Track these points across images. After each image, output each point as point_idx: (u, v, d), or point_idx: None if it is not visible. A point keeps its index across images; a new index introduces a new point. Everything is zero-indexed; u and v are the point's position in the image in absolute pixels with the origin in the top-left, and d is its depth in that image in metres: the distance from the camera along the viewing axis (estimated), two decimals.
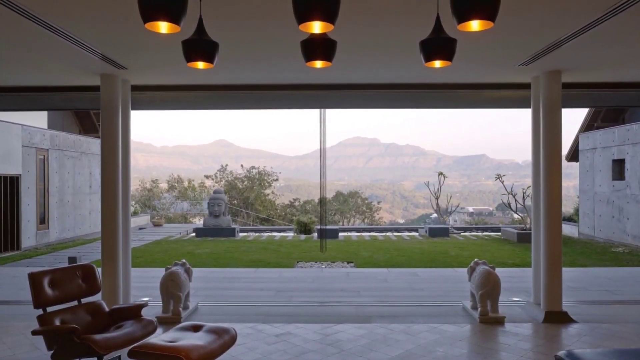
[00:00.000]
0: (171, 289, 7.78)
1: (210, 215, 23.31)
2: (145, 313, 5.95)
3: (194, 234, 23.08)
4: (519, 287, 10.34)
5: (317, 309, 8.70)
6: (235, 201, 38.33)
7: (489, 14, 3.57)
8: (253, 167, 42.00)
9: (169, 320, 7.63)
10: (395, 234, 24.19)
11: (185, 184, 41.97)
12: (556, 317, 7.78)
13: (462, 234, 23.74)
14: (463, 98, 8.97)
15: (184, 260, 8.31)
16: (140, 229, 25.66)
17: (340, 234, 22.82)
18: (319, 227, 22.42)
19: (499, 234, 23.13)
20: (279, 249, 17.89)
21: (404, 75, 8.02)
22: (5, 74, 7.88)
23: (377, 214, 46.12)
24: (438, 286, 10.70)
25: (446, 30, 4.23)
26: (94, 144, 23.15)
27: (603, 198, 20.86)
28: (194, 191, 40.96)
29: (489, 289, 7.74)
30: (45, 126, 21.27)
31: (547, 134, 7.93)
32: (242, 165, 42.60)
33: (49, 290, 5.34)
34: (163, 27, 3.79)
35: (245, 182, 40.64)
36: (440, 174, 27.18)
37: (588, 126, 23.37)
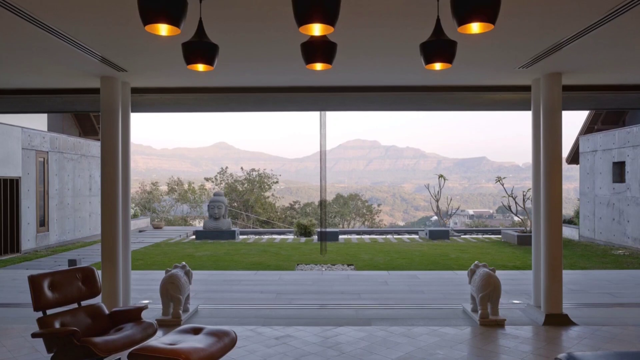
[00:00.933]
0: (171, 291, 7.77)
1: (210, 218, 23.31)
2: (145, 316, 5.94)
3: (194, 237, 23.07)
4: (519, 289, 10.33)
5: (317, 312, 8.69)
6: (235, 204, 38.35)
7: (489, 16, 3.57)
8: (253, 170, 42.00)
9: (169, 323, 7.62)
10: (395, 236, 24.18)
11: (185, 186, 41.97)
12: (556, 320, 7.77)
13: (462, 236, 23.73)
14: (463, 100, 8.96)
15: (184, 263, 8.30)
16: (140, 231, 25.65)
17: (341, 236, 22.80)
18: (319, 229, 22.43)
19: (499, 236, 23.12)
20: (279, 252, 17.88)
21: (404, 78, 8.02)
22: (5, 76, 7.88)
23: (377, 217, 46.14)
24: (438, 289, 10.68)
25: (446, 32, 4.24)
26: (94, 147, 23.15)
27: (603, 200, 20.85)
28: (194, 194, 40.96)
29: (490, 292, 7.73)
30: (45, 129, 21.26)
31: (547, 136, 7.93)
32: (242, 168, 42.61)
33: (48, 293, 5.33)
34: (163, 29, 3.79)
35: (246, 185, 40.65)
36: (441, 176, 27.21)
37: (588, 129, 23.36)
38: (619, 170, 20.12)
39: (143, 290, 10.22)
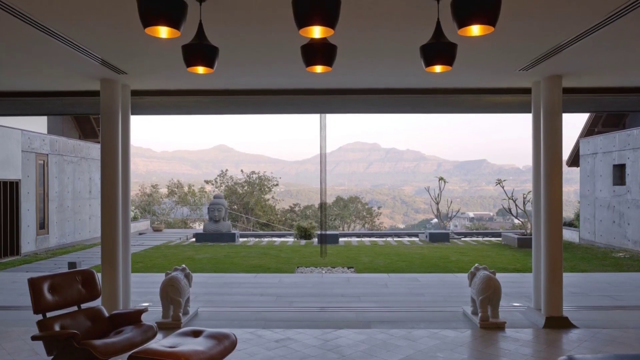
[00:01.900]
0: (171, 294, 7.76)
1: (210, 221, 23.28)
2: (145, 318, 5.94)
3: (193, 239, 23.04)
4: (519, 292, 10.32)
5: (318, 315, 8.68)
6: (235, 206, 38.32)
7: (489, 18, 3.58)
8: (253, 172, 41.98)
9: (169, 326, 7.61)
10: (395, 239, 24.15)
11: (185, 189, 41.92)
12: (557, 323, 7.76)
13: (462, 239, 23.71)
14: (464, 103, 8.96)
15: (183, 266, 8.30)
16: (140, 234, 25.64)
17: (341, 239, 22.79)
18: (319, 232, 22.41)
19: (500, 239, 23.10)
20: (279, 254, 17.87)
21: (404, 80, 8.02)
22: (5, 79, 7.88)
23: (378, 219, 46.10)
24: (438, 291, 10.68)
25: (447, 35, 4.24)
26: (93, 149, 23.14)
27: (604, 203, 20.84)
28: (194, 196, 40.92)
29: (490, 295, 7.72)
30: (45, 131, 21.26)
31: (547, 139, 7.93)
32: (242, 170, 42.58)
33: (48, 296, 5.32)
34: (163, 31, 3.80)
35: (246, 187, 40.63)
36: (441, 179, 27.18)
37: (589, 131, 23.37)
38: (619, 173, 20.11)
39: (143, 292, 10.22)
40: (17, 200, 17.50)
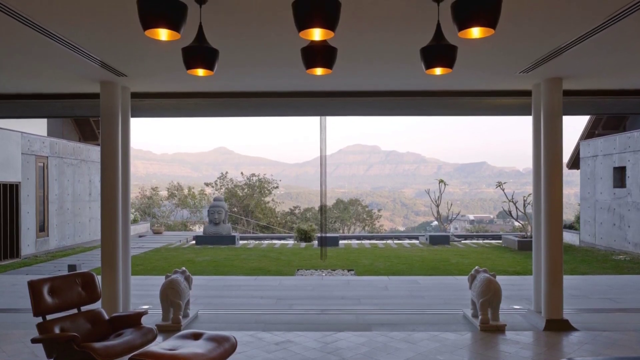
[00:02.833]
0: (171, 296, 7.76)
1: (210, 223, 23.28)
2: (145, 321, 5.93)
3: (194, 242, 23.04)
4: (519, 295, 10.31)
5: (318, 317, 8.67)
6: (235, 209, 38.31)
7: (489, 21, 3.58)
8: (253, 175, 41.99)
9: (169, 328, 7.60)
10: (395, 241, 24.16)
11: (185, 191, 41.92)
12: (557, 325, 7.75)
13: (462, 241, 23.70)
14: (464, 105, 8.96)
15: (183, 268, 8.29)
16: (140, 236, 25.62)
17: (341, 241, 22.78)
18: (319, 234, 22.41)
19: (500, 241, 23.10)
20: (279, 257, 17.86)
21: (404, 83, 8.02)
22: (4, 81, 7.88)
23: (378, 222, 46.07)
24: (439, 294, 10.67)
25: (447, 37, 4.24)
26: (93, 152, 23.14)
27: (604, 206, 20.83)
28: (194, 199, 40.91)
29: (490, 297, 7.72)
30: (45, 133, 21.27)
31: (548, 141, 7.92)
32: (242, 173, 42.58)
33: (48, 298, 5.31)
34: (163, 34, 3.80)
35: (246, 190, 40.62)
36: (441, 181, 27.18)
37: (589, 134, 23.36)
38: (619, 176, 20.11)
39: (143, 295, 10.21)
40: (17, 203, 17.50)
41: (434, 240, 22.27)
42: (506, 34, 5.50)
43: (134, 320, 5.65)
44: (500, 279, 8.50)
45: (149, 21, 3.64)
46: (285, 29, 5.15)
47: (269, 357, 6.54)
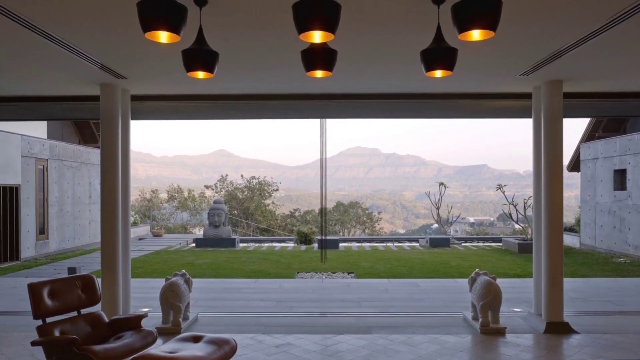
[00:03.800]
0: (171, 299, 7.75)
1: (210, 226, 23.28)
2: (145, 324, 5.92)
3: (194, 245, 23.03)
4: (520, 297, 10.30)
5: (318, 320, 8.66)
6: (235, 211, 38.32)
7: (489, 23, 3.58)
8: (253, 177, 42.01)
9: (168, 331, 7.59)
10: (395, 244, 24.14)
11: (185, 194, 41.94)
12: (557, 328, 7.74)
13: (463, 244, 23.69)
14: (464, 108, 8.96)
15: (183, 271, 8.29)
16: (140, 239, 25.63)
17: (341, 244, 22.76)
18: (319, 237, 22.40)
19: (500, 244, 23.08)
20: (279, 260, 17.85)
21: (404, 85, 8.02)
22: (4, 84, 7.87)
23: (378, 225, 46.09)
24: (439, 297, 10.66)
25: (447, 39, 4.23)
26: (93, 154, 23.15)
27: (604, 208, 20.83)
28: (194, 201, 40.93)
29: (490, 300, 7.71)
30: (45, 136, 21.26)
31: (548, 143, 7.91)
32: (242, 176, 42.61)
33: (48, 301, 5.31)
34: (163, 36, 3.80)
35: (246, 192, 40.63)
36: (441, 184, 27.21)
37: (589, 136, 23.36)
38: (620, 178, 20.11)
39: (143, 298, 10.20)
40: (16, 206, 17.50)
41: (434, 243, 22.26)
42: (506, 37, 5.50)
43: (134, 322, 5.65)
44: (500, 281, 8.49)
45: (149, 23, 3.64)
46: (285, 32, 5.15)
47: (269, 359, 6.53)
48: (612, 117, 21.36)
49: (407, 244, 24.42)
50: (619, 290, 11.33)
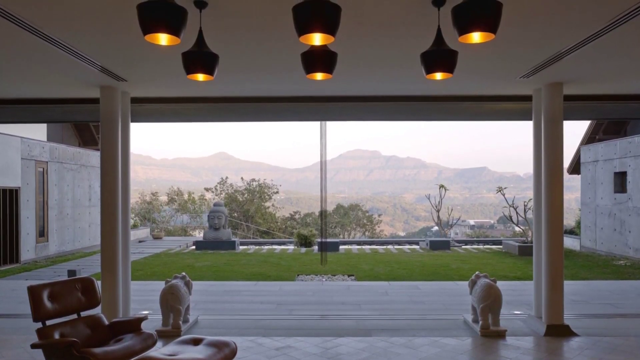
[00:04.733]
0: (171, 302, 7.74)
1: (210, 228, 23.26)
2: (145, 326, 5.92)
3: (194, 247, 23.00)
4: (520, 300, 10.30)
5: (318, 322, 8.66)
6: (235, 214, 38.29)
7: (490, 26, 3.57)
8: (253, 180, 41.97)
9: (168, 334, 7.58)
10: (396, 246, 24.12)
11: (185, 196, 41.92)
12: (558, 331, 7.73)
13: (463, 246, 23.68)
14: (464, 110, 8.96)
15: (183, 274, 8.28)
16: (140, 242, 25.61)
17: (341, 246, 22.75)
18: (319, 240, 22.37)
19: (500, 246, 23.08)
20: (280, 262, 17.84)
21: (405, 88, 8.02)
22: (4, 86, 7.88)
23: (378, 227, 46.10)
24: (439, 299, 10.65)
25: (447, 42, 4.24)
26: (93, 157, 23.13)
27: (605, 211, 20.82)
28: (194, 204, 40.91)
29: (490, 302, 7.70)
30: (45, 138, 21.26)
31: (548, 146, 7.91)
32: (242, 178, 42.58)
33: (48, 304, 5.30)
34: (163, 39, 3.80)
35: (246, 195, 40.61)
36: (442, 186, 27.18)
37: (590, 138, 23.35)
38: (620, 181, 20.10)
39: (143, 300, 10.19)
40: (16, 208, 17.49)
41: (435, 246, 22.25)
42: (506, 39, 5.50)
43: (133, 325, 5.64)
44: (500, 284, 8.48)
45: (149, 26, 3.64)
46: (285, 34, 5.15)
47: None
48: (612, 119, 21.37)
49: (407, 246, 24.39)
50: (619, 292, 11.33)
